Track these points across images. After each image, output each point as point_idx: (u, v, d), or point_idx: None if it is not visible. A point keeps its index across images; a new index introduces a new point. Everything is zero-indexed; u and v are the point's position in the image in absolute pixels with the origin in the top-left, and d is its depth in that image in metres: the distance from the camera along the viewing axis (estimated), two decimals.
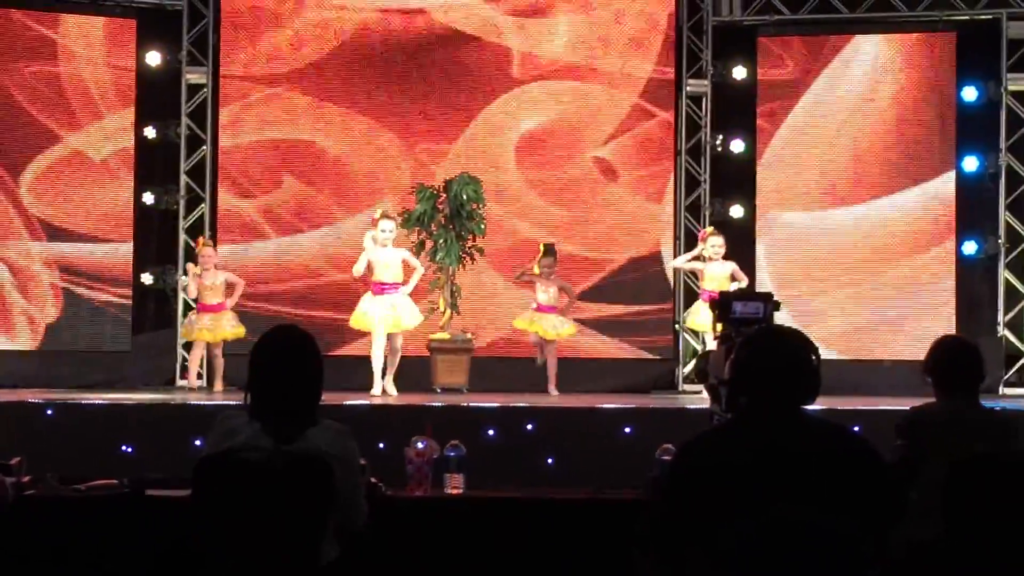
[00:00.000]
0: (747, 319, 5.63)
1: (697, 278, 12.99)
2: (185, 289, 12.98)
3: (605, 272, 13.94)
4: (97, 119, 13.81)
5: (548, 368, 12.40)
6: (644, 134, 13.99)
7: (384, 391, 11.65)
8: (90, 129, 13.77)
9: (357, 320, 11.92)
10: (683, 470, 4.04)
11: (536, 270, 12.57)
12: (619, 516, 5.75)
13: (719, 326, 5.82)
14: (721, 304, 5.74)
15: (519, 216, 13.89)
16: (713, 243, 12.34)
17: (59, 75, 13.71)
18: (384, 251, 11.77)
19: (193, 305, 12.74)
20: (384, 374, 11.75)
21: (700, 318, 12.32)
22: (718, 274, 12.26)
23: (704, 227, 13.81)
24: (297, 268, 13.95)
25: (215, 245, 12.84)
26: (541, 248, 12.65)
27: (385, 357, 11.77)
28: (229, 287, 12.53)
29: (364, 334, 12.08)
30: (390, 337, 11.76)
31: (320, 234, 13.97)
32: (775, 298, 5.79)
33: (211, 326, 12.34)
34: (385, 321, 11.68)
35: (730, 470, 3.90)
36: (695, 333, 13.73)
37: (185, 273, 12.90)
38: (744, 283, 12.32)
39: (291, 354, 4.60)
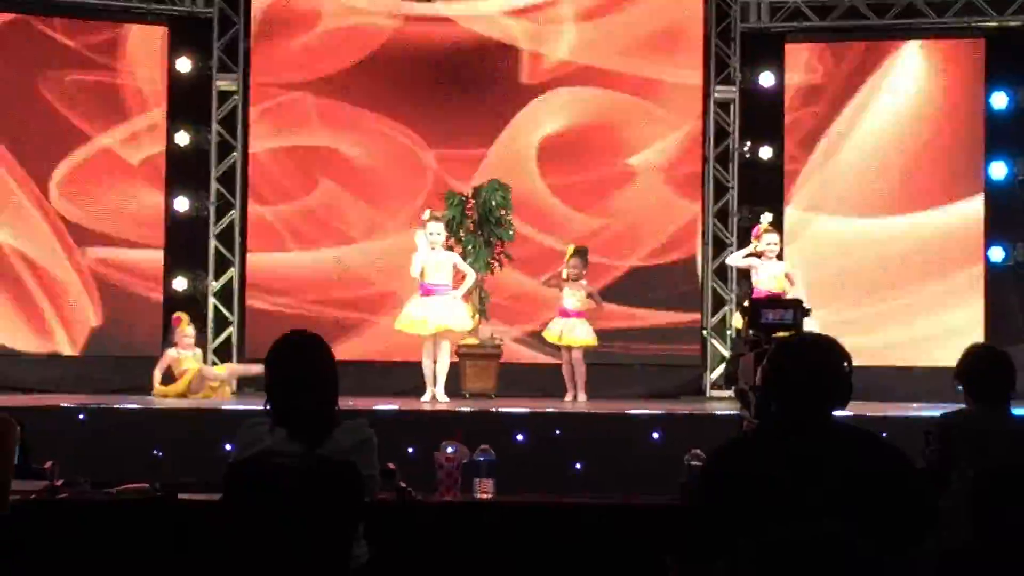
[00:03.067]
0: (777, 326, 5.65)
1: (731, 276, 12.93)
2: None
3: (633, 277, 13.91)
4: (129, 125, 13.88)
5: (576, 375, 12.25)
6: (673, 140, 13.99)
7: (434, 398, 11.56)
8: (121, 132, 13.84)
9: (402, 323, 11.77)
10: (714, 477, 4.04)
11: (564, 273, 12.41)
12: (649, 522, 5.76)
13: (747, 332, 5.84)
14: (751, 311, 5.75)
15: (545, 223, 13.88)
16: (769, 240, 11.99)
17: (92, 82, 13.78)
18: (433, 253, 11.63)
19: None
20: (435, 381, 11.64)
21: None
22: (774, 273, 11.96)
23: (732, 234, 13.82)
24: (325, 278, 14.00)
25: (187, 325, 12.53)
26: (569, 250, 12.48)
27: (434, 364, 11.67)
28: (203, 375, 12.25)
29: (405, 336, 11.91)
30: (437, 343, 11.63)
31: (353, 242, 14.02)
32: (804, 305, 5.81)
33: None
34: (431, 323, 11.52)
35: (761, 477, 3.90)
36: (723, 338, 13.73)
37: (172, 345, 12.48)
38: (796, 286, 11.93)
39: (304, 360, 4.65)
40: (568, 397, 12.20)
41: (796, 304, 5.71)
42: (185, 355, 12.23)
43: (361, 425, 4.73)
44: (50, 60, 13.71)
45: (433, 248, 11.62)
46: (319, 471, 4.46)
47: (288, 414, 4.62)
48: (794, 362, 4.09)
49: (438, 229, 11.68)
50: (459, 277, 11.82)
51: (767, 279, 11.93)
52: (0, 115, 13.55)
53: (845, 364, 4.07)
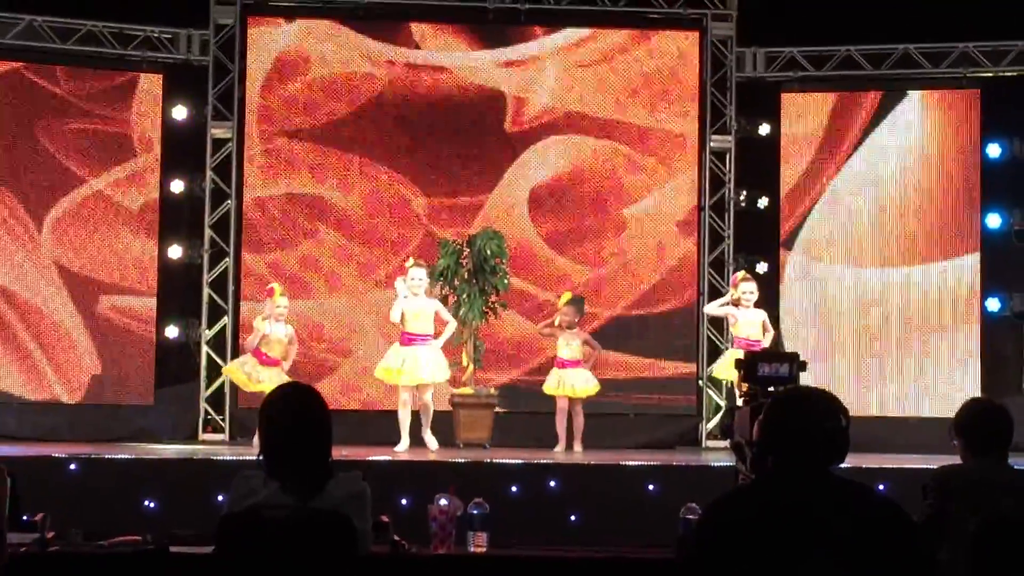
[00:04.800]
0: (773, 379, 5.61)
1: (726, 326, 12.94)
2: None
3: (628, 326, 13.89)
4: (123, 169, 13.88)
5: (574, 425, 12.15)
6: (668, 188, 14.01)
7: (425, 443, 11.51)
8: (116, 176, 13.85)
9: (381, 371, 11.72)
10: (710, 530, 4.01)
11: (557, 321, 12.33)
12: (646, 575, 5.71)
13: (744, 386, 5.81)
14: (747, 364, 5.71)
15: (541, 273, 13.87)
16: (745, 288, 12.05)
17: (90, 130, 13.80)
18: (415, 300, 11.53)
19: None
20: (422, 428, 11.57)
21: (730, 368, 12.06)
22: (751, 320, 12.00)
23: (727, 283, 13.80)
24: (316, 326, 13.96)
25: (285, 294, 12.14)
26: (564, 298, 12.41)
27: (418, 412, 11.60)
28: (288, 344, 11.97)
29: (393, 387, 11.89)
30: (419, 391, 11.58)
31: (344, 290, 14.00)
32: (801, 358, 5.78)
33: (268, 381, 11.39)
34: (406, 375, 11.47)
35: (757, 531, 3.87)
36: (718, 388, 13.70)
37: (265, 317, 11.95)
38: (771, 334, 12.10)
39: (299, 413, 4.61)
40: (558, 448, 12.06)
41: (792, 357, 5.67)
42: (276, 328, 11.91)
43: (355, 478, 4.69)
44: (47, 108, 13.73)
45: (416, 295, 11.53)
46: (312, 524, 4.43)
47: (282, 466, 4.58)
48: (791, 417, 4.08)
49: (420, 275, 11.60)
50: (443, 326, 11.75)
51: (746, 327, 11.95)
52: None
53: (842, 418, 4.05)
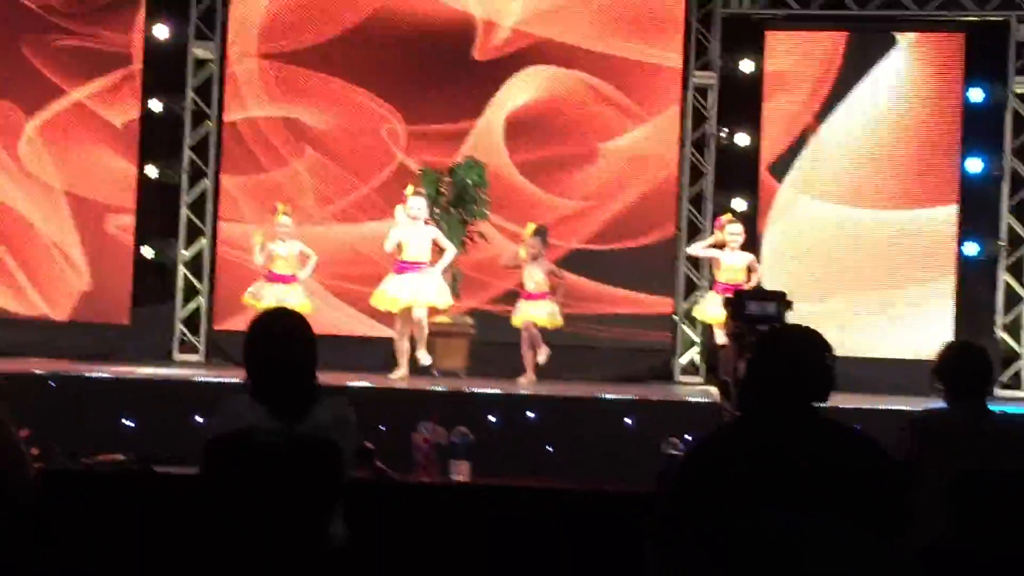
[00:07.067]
0: (760, 317, 5.66)
1: (704, 262, 12.97)
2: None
3: (604, 259, 13.86)
4: (104, 85, 13.82)
5: (534, 351, 12.00)
6: (650, 122, 13.97)
7: (406, 374, 11.45)
8: (96, 92, 13.81)
9: (378, 299, 11.66)
10: (695, 467, 4.06)
11: (522, 253, 12.21)
12: (627, 509, 5.75)
13: (730, 323, 5.85)
14: (735, 302, 5.76)
15: (522, 203, 13.85)
16: (732, 231, 12.07)
17: (72, 47, 13.75)
18: (414, 228, 11.52)
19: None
20: (415, 348, 11.53)
21: (711, 310, 11.95)
22: (735, 264, 12.03)
23: (706, 220, 13.82)
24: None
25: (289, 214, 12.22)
26: (528, 229, 12.28)
27: (412, 334, 11.54)
28: (302, 257, 12.12)
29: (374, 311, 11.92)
30: (410, 313, 11.47)
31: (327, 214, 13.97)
32: (788, 297, 5.82)
33: (279, 299, 11.39)
34: (405, 300, 11.42)
35: (742, 467, 3.93)
36: (694, 324, 13.74)
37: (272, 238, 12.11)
38: (758, 276, 12.08)
39: (284, 336, 4.66)
40: (522, 380, 11.95)
41: (779, 296, 5.72)
42: (278, 247, 11.96)
43: (341, 402, 4.74)
44: (33, 24, 13.71)
45: (414, 222, 11.49)
46: (299, 448, 4.47)
47: (268, 390, 4.62)
48: (777, 355, 4.14)
49: (419, 204, 11.56)
50: (440, 254, 11.68)
51: (729, 271, 11.97)
52: None
53: (827, 357, 4.10)
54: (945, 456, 5.30)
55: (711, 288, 12.49)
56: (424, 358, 11.56)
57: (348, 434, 4.67)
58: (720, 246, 12.15)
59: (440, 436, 6.27)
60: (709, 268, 13.60)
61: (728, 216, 12.41)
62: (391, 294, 11.52)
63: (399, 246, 11.47)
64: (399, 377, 11.39)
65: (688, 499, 3.99)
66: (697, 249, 12.61)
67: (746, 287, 11.63)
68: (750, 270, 12.04)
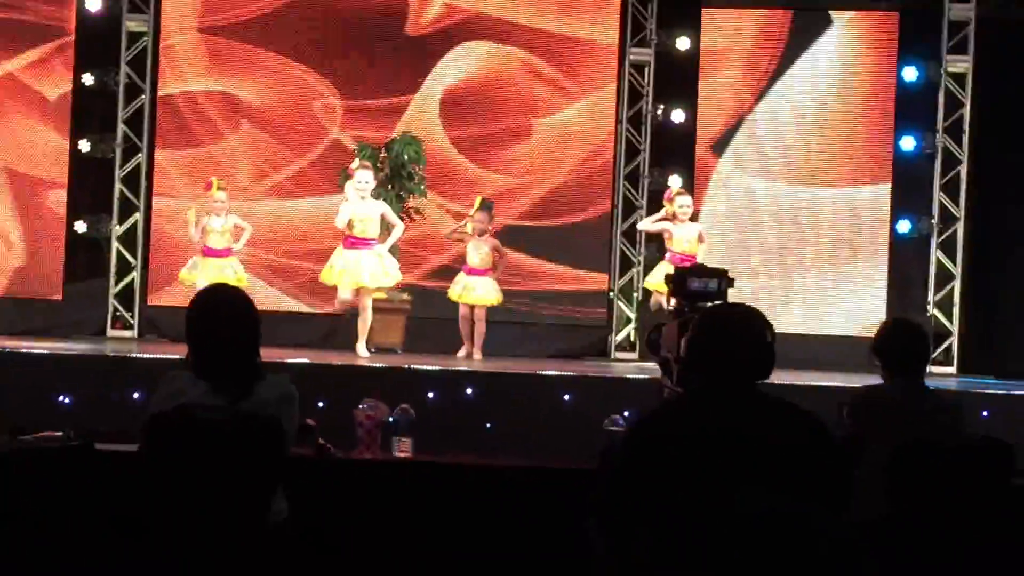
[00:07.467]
0: (702, 294, 5.68)
1: (640, 239, 12.99)
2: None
3: (540, 235, 13.87)
4: (35, 57, 13.69)
5: (475, 332, 12.01)
6: (585, 99, 13.97)
7: (355, 351, 11.38)
8: (27, 63, 13.68)
9: (325, 274, 11.52)
10: (639, 444, 4.07)
11: (468, 227, 12.14)
12: (569, 485, 5.77)
13: (672, 300, 5.87)
14: (676, 279, 5.77)
15: (457, 179, 13.83)
16: (681, 203, 12.05)
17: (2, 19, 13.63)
18: (361, 204, 11.32)
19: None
20: (358, 336, 11.43)
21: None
22: (687, 235, 12.04)
23: (642, 196, 13.86)
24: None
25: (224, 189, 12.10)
26: (476, 203, 12.21)
27: (357, 319, 11.45)
28: (236, 231, 12.07)
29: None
30: (360, 296, 11.37)
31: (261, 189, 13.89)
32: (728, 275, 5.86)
33: (215, 273, 11.53)
34: (349, 276, 11.29)
35: (686, 447, 3.94)
36: (629, 301, 13.80)
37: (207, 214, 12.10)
38: (705, 245, 12.13)
39: (228, 313, 4.65)
40: (462, 353, 12.00)
41: (721, 273, 5.75)
42: (214, 221, 11.90)
43: (283, 380, 4.74)
44: None
45: (362, 199, 11.36)
46: (243, 426, 4.46)
47: (211, 367, 4.60)
48: (718, 333, 4.16)
49: (366, 177, 11.41)
50: (390, 229, 11.62)
51: (681, 242, 12.00)
52: None
53: (768, 335, 4.13)
54: (884, 432, 5.36)
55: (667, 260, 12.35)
56: (362, 351, 11.43)
57: (291, 412, 4.67)
58: (671, 218, 12.15)
59: (382, 413, 6.27)
60: (645, 244, 13.68)
61: (677, 188, 12.46)
62: (339, 269, 11.39)
63: (349, 222, 11.33)
64: (365, 354, 11.32)
65: (632, 476, 4.00)
66: (647, 224, 12.61)
67: (698, 257, 11.69)
68: (700, 239, 12.09)
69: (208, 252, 11.91)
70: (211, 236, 11.90)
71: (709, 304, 5.59)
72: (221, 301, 4.73)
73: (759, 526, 3.75)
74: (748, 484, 3.82)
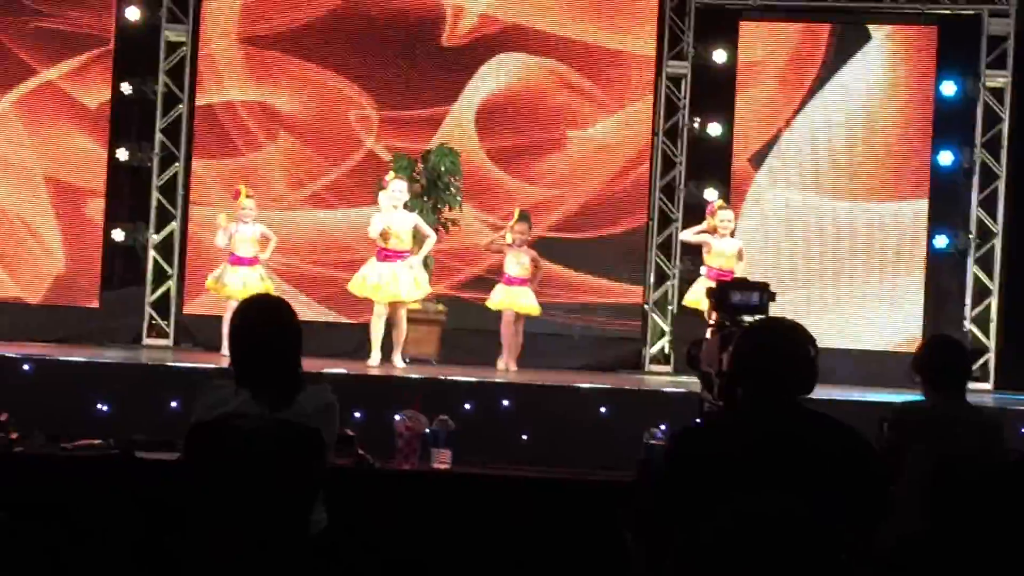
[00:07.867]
0: (744, 308, 5.66)
1: (676, 252, 12.94)
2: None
3: (577, 248, 13.85)
4: (75, 65, 13.76)
5: (515, 344, 12.03)
6: (623, 111, 13.96)
7: (391, 362, 11.35)
8: (67, 72, 13.75)
9: (355, 285, 11.55)
10: (681, 457, 4.06)
11: (508, 238, 12.17)
12: (607, 498, 5.77)
13: (714, 314, 5.85)
14: (718, 292, 5.76)
15: (493, 191, 13.83)
16: (723, 217, 11.94)
17: (45, 29, 13.70)
18: (394, 215, 11.35)
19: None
20: (395, 347, 11.43)
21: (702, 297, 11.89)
22: (726, 250, 11.94)
23: (677, 209, 13.84)
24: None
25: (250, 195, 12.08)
26: (515, 214, 12.24)
27: (390, 330, 11.45)
28: (263, 240, 12.06)
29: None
30: (394, 308, 11.41)
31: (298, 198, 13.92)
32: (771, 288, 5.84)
33: (243, 281, 11.55)
34: (383, 289, 11.32)
35: (728, 459, 3.93)
36: (664, 314, 13.77)
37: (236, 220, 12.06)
38: (744, 263, 12.01)
39: (270, 323, 4.64)
40: (501, 365, 12.01)
41: (763, 287, 5.73)
42: (243, 229, 11.89)
43: (324, 390, 4.74)
44: (3, 7, 13.67)
45: (396, 208, 11.37)
46: (283, 436, 4.46)
47: (253, 377, 4.60)
48: (761, 348, 4.13)
49: (401, 188, 11.44)
50: (423, 240, 11.62)
51: (720, 256, 11.92)
52: None
53: (811, 349, 4.11)
54: (925, 447, 5.34)
55: (702, 275, 12.28)
56: (399, 362, 11.45)
57: (331, 422, 4.67)
58: (711, 231, 12.09)
59: (421, 424, 6.27)
60: (680, 257, 13.66)
61: (720, 202, 12.39)
62: (372, 282, 11.40)
63: (385, 234, 11.34)
64: (375, 363, 11.31)
65: (675, 489, 3.99)
66: (688, 235, 12.51)
67: (736, 273, 11.60)
68: (740, 256, 12.02)
69: (235, 260, 11.91)
70: (239, 244, 11.92)
71: (750, 318, 5.56)
72: (264, 311, 4.73)
73: (791, 533, 3.75)
74: (781, 497, 3.81)
